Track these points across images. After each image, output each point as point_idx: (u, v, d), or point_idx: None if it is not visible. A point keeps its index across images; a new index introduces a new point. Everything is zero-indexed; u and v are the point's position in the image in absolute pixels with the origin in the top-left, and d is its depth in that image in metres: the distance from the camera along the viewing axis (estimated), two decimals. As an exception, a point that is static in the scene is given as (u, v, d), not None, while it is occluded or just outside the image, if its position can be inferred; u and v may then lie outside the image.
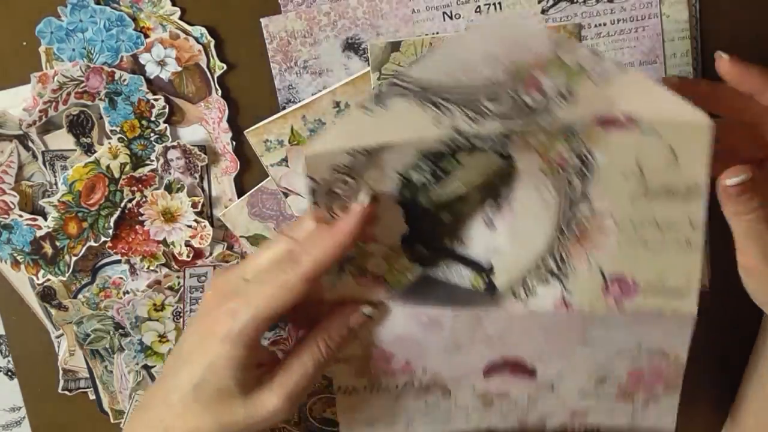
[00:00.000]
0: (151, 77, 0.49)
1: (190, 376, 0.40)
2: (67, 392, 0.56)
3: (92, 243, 0.50)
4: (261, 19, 0.48)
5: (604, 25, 0.48)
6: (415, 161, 0.39)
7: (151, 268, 0.52)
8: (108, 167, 0.49)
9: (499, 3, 0.48)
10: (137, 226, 0.51)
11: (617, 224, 0.40)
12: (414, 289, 0.43)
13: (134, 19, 0.48)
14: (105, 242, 0.50)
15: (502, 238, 0.41)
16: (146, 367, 0.55)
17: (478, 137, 0.38)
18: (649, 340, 0.44)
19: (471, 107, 0.37)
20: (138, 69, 0.49)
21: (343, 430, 0.48)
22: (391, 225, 0.41)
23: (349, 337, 0.42)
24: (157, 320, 0.53)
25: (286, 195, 0.50)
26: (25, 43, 0.48)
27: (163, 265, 0.52)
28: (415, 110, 0.37)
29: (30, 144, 0.50)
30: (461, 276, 0.43)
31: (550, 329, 0.44)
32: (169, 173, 0.50)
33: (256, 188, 0.51)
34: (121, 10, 0.48)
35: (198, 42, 0.48)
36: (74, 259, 0.51)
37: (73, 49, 0.48)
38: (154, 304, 0.53)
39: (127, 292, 0.53)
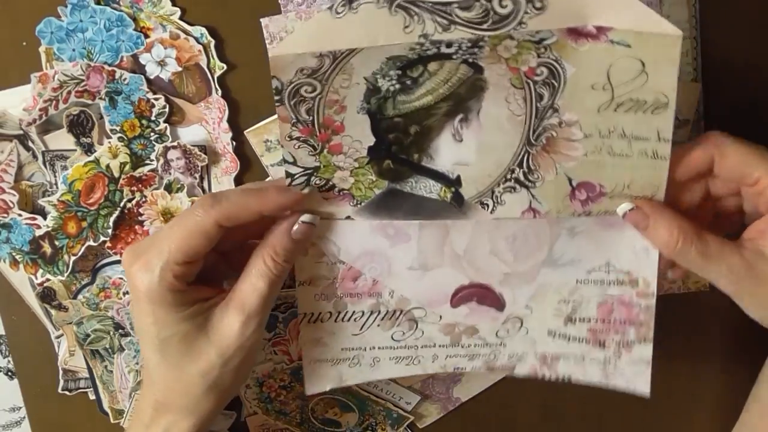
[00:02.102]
0: (152, 77, 0.49)
1: (152, 346, 0.41)
2: (67, 392, 0.56)
3: (91, 243, 0.50)
4: (261, 19, 0.48)
5: (604, 25, 0.48)
6: (383, 68, 0.39)
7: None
8: (108, 167, 0.49)
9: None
10: (137, 226, 0.51)
11: (585, 134, 0.41)
12: (381, 202, 0.43)
13: (134, 19, 0.48)
14: (104, 242, 0.50)
15: (469, 151, 0.41)
16: (146, 367, 0.55)
17: (447, 44, 0.38)
18: (617, 259, 0.44)
19: (442, 14, 0.37)
20: (138, 69, 0.49)
21: (306, 372, 0.47)
22: (357, 136, 0.41)
23: (295, 249, 0.42)
24: (157, 320, 0.53)
25: (286, 195, 0.50)
26: (25, 43, 0.48)
27: (163, 265, 0.52)
28: (385, 15, 0.37)
29: (30, 144, 0.50)
30: (429, 189, 0.42)
31: (517, 243, 0.44)
32: (169, 173, 0.50)
33: (255, 188, 0.51)
34: (121, 10, 0.48)
35: (198, 42, 0.48)
36: (73, 258, 0.51)
37: (73, 49, 0.48)
38: (154, 304, 0.53)
39: (127, 293, 0.53)
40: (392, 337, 0.47)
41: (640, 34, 0.37)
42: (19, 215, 0.50)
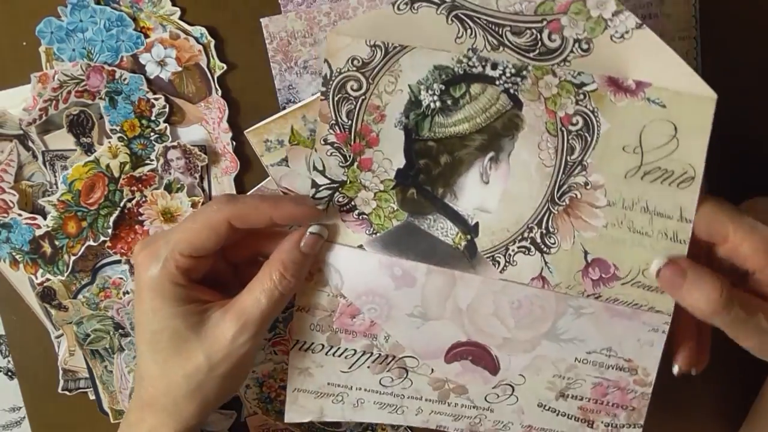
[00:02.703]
0: (151, 77, 0.49)
1: (143, 336, 0.41)
2: (67, 392, 0.56)
3: (91, 242, 0.50)
4: (261, 19, 0.48)
5: (604, 25, 0.48)
6: (428, 77, 0.40)
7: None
8: (108, 166, 0.49)
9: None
10: (137, 226, 0.51)
11: (608, 201, 0.40)
12: (395, 237, 0.43)
13: (134, 19, 0.48)
14: (104, 242, 0.50)
15: (493, 197, 0.42)
16: (146, 367, 0.55)
17: (492, 65, 0.39)
18: (620, 347, 0.44)
19: (494, 34, 0.39)
20: (138, 69, 0.49)
21: (288, 399, 0.46)
22: (389, 153, 0.41)
23: (304, 262, 0.41)
24: (157, 320, 0.53)
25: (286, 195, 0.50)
26: (25, 43, 0.48)
27: (163, 265, 0.52)
28: (441, 22, 0.39)
29: (30, 144, 0.50)
30: (446, 230, 0.42)
31: (522, 310, 0.43)
32: (169, 173, 0.50)
33: (256, 188, 0.51)
34: (121, 10, 0.48)
35: (198, 42, 0.48)
36: (73, 258, 0.51)
37: (73, 49, 0.48)
38: (154, 304, 0.53)
39: (127, 292, 0.53)
40: (380, 382, 0.46)
41: (677, 94, 0.38)
42: (19, 215, 0.50)
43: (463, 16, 0.38)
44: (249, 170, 0.51)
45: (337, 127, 0.40)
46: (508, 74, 0.39)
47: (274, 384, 0.55)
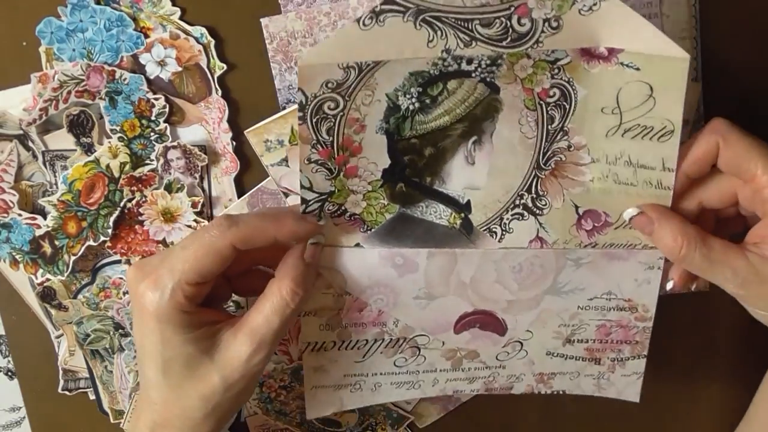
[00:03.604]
0: (152, 77, 0.49)
1: (154, 365, 0.40)
2: (67, 392, 0.56)
3: (91, 242, 0.50)
4: (261, 19, 0.48)
5: (604, 25, 0.48)
6: (405, 84, 0.39)
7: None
8: (108, 166, 0.49)
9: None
10: (137, 226, 0.51)
11: (592, 158, 0.41)
12: (390, 229, 0.43)
13: (134, 19, 0.48)
14: (104, 242, 0.50)
15: (480, 175, 0.42)
16: (146, 367, 0.55)
17: (468, 60, 0.39)
18: (619, 288, 0.45)
19: (464, 30, 0.38)
20: (138, 69, 0.49)
21: (307, 397, 0.47)
22: (374, 158, 0.41)
23: (309, 273, 0.41)
24: (157, 320, 0.53)
25: (286, 195, 0.50)
26: (25, 43, 0.48)
27: (163, 265, 0.52)
28: (410, 29, 0.37)
29: (30, 144, 0.50)
30: (439, 214, 0.43)
31: (523, 272, 0.44)
32: (169, 173, 0.50)
33: (256, 188, 0.51)
34: (121, 10, 0.48)
35: (198, 42, 0.48)
36: (73, 258, 0.51)
37: (73, 49, 0.48)
38: (154, 304, 0.53)
39: (127, 292, 0.53)
40: (395, 364, 0.47)
41: (650, 56, 0.38)
42: (19, 215, 0.50)
43: (431, 19, 0.37)
44: (249, 170, 0.51)
45: (318, 145, 0.40)
46: (483, 65, 0.39)
47: (274, 384, 0.55)
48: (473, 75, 0.39)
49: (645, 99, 0.39)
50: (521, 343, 0.47)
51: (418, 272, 0.44)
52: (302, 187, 0.41)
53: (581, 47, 0.38)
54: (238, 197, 0.51)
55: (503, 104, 0.40)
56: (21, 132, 0.50)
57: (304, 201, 0.41)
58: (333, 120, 0.39)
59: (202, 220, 0.51)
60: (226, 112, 0.49)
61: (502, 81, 0.40)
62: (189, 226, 0.51)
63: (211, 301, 0.43)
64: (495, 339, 0.46)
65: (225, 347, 0.40)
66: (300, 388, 0.54)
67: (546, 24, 0.38)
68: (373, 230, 0.43)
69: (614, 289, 0.45)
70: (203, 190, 0.51)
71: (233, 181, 0.51)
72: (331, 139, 0.40)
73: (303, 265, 0.41)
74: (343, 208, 0.42)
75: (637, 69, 0.38)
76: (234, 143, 0.50)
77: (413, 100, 0.40)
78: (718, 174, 0.41)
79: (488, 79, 0.40)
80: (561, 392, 0.49)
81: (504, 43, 0.38)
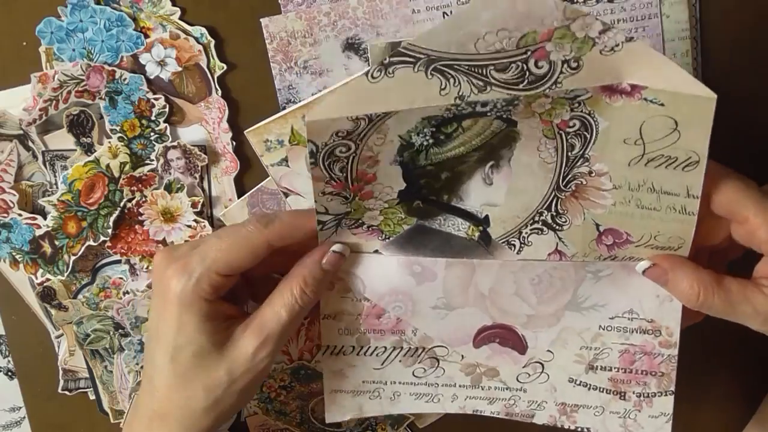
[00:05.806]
0: (151, 77, 0.49)
1: (164, 350, 0.40)
2: (67, 392, 0.56)
3: (91, 242, 0.50)
4: (261, 19, 0.48)
5: (604, 25, 0.48)
6: (418, 126, 0.39)
7: (151, 268, 0.52)
8: (108, 166, 0.49)
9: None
10: (137, 226, 0.51)
11: (614, 185, 0.40)
12: (409, 238, 0.43)
13: (134, 19, 0.48)
14: (104, 242, 0.50)
15: (498, 194, 0.41)
16: (146, 367, 0.55)
17: (482, 104, 0.37)
18: (640, 306, 0.44)
19: (478, 76, 0.36)
20: (138, 69, 0.49)
21: (327, 401, 0.47)
22: (389, 183, 0.41)
23: (324, 279, 0.42)
24: (157, 320, 0.53)
25: (286, 195, 0.50)
26: (25, 43, 0.48)
27: (163, 265, 0.52)
28: (421, 79, 0.36)
29: (30, 144, 0.50)
30: (457, 227, 0.43)
31: (542, 285, 0.44)
32: (169, 173, 0.50)
33: (256, 188, 0.51)
34: (121, 10, 0.48)
35: (198, 42, 0.48)
36: (73, 258, 0.51)
37: (73, 49, 0.48)
38: (154, 304, 0.53)
39: (127, 292, 0.53)
40: (413, 374, 0.47)
41: (675, 94, 0.37)
42: (19, 215, 0.50)
43: (442, 68, 0.36)
44: (249, 170, 0.51)
45: (332, 181, 0.40)
46: (499, 107, 0.38)
47: (274, 384, 0.55)
48: (488, 114, 0.38)
49: (669, 132, 0.38)
50: (542, 365, 0.46)
51: (437, 281, 0.44)
52: (318, 212, 0.41)
53: (603, 85, 0.37)
54: (238, 197, 0.51)
55: (521, 134, 0.39)
56: (21, 132, 0.50)
57: (320, 223, 0.41)
58: (345, 161, 0.39)
59: (202, 220, 0.51)
60: (226, 112, 0.49)
61: (519, 116, 0.39)
62: (189, 226, 0.51)
63: (230, 300, 0.43)
64: (515, 357, 0.46)
65: (234, 341, 0.40)
66: (300, 388, 0.54)
67: (565, 65, 0.36)
68: (391, 238, 0.43)
69: (636, 306, 0.44)
70: (203, 190, 0.51)
71: (233, 181, 0.51)
72: (344, 175, 0.40)
73: (318, 267, 0.41)
74: (360, 221, 0.42)
75: (662, 105, 0.37)
76: (234, 143, 0.50)
77: (427, 138, 0.39)
78: (710, 215, 0.41)
79: (505, 116, 0.39)
80: (586, 430, 0.48)
81: (520, 86, 0.37)
